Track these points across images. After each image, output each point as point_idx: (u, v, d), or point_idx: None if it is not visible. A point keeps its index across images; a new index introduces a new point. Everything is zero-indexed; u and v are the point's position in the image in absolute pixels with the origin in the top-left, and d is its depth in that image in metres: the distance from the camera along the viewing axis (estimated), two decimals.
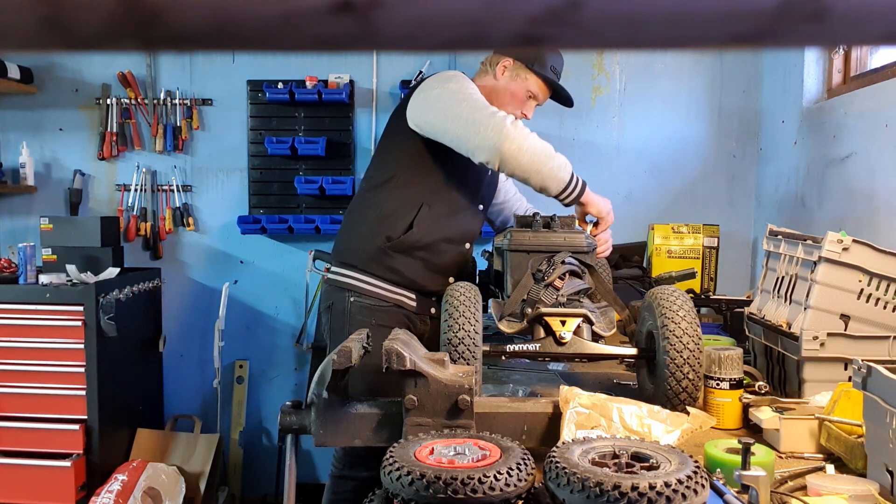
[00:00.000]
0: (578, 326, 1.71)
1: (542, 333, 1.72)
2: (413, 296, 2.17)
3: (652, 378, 1.64)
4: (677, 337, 1.50)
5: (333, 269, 2.25)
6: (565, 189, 2.03)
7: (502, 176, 2.44)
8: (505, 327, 1.79)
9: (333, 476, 2.19)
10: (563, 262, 1.86)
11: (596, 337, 1.74)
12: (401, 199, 2.14)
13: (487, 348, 1.65)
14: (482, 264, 2.49)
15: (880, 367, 1.18)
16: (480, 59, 3.52)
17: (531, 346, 1.69)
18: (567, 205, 2.09)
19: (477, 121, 1.98)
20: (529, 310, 1.75)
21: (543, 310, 1.72)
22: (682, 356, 1.49)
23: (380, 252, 2.14)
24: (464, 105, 2.01)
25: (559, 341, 1.68)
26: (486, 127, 1.96)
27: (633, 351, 1.69)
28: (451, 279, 2.15)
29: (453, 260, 2.21)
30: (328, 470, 3.73)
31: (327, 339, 2.23)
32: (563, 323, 1.70)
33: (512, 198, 2.60)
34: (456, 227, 2.19)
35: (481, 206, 2.28)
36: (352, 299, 2.15)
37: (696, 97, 3.51)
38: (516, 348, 1.70)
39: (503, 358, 1.79)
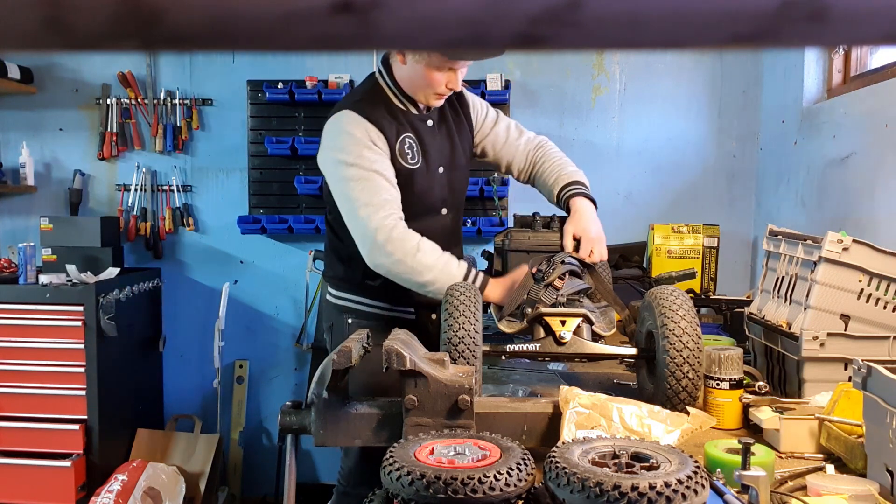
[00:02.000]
0: (578, 326, 1.71)
1: (542, 333, 1.72)
2: (411, 310, 2.13)
3: (652, 378, 1.64)
4: (677, 336, 1.50)
5: (330, 290, 2.20)
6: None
7: (485, 128, 2.22)
8: (505, 327, 1.80)
9: (339, 492, 2.19)
10: (562, 262, 1.86)
11: (596, 337, 1.75)
12: None
13: (487, 348, 1.65)
14: (482, 264, 2.49)
15: (880, 367, 1.18)
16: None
17: (531, 346, 1.70)
18: None
19: (358, 236, 1.92)
20: (529, 310, 1.76)
21: (543, 310, 1.73)
22: (681, 356, 1.49)
23: (363, 283, 2.08)
24: (349, 207, 1.92)
25: (559, 341, 1.68)
26: (362, 246, 1.91)
27: (632, 351, 1.69)
28: None
29: None
30: (328, 470, 3.74)
31: None
32: (563, 323, 1.70)
33: (512, 140, 2.26)
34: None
35: (445, 210, 2.13)
36: (349, 321, 2.11)
37: (696, 97, 3.51)
38: (516, 348, 1.71)
39: (503, 358, 1.79)
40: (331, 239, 2.18)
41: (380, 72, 2.06)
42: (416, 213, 2.00)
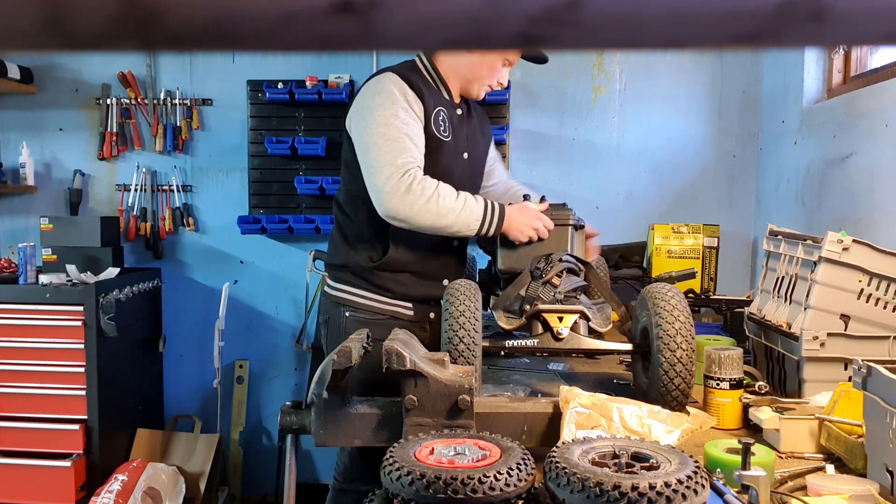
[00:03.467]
0: (575, 323, 1.74)
1: (539, 329, 1.75)
2: (409, 305, 2.14)
3: (646, 373, 1.65)
4: (670, 336, 1.51)
5: (329, 282, 2.21)
6: (482, 228, 1.99)
7: (490, 158, 2.39)
8: (504, 323, 1.81)
9: (335, 489, 2.19)
10: (560, 260, 1.88)
11: (593, 333, 1.76)
12: (371, 218, 2.03)
13: (487, 344, 1.67)
14: (482, 263, 2.49)
15: (880, 367, 1.18)
16: None
17: (529, 342, 1.72)
18: (493, 235, 2.02)
19: (375, 186, 1.94)
20: (528, 306, 1.77)
21: (541, 306, 1.75)
22: (674, 353, 1.50)
23: (367, 271, 2.10)
24: (371, 155, 1.96)
25: (556, 337, 1.71)
26: (380, 193, 1.93)
27: (628, 347, 1.71)
28: (446, 281, 2.12)
29: (443, 264, 2.15)
30: (328, 470, 3.73)
31: (325, 352, 2.23)
32: (561, 319, 1.73)
33: (503, 179, 2.47)
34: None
35: None
36: (347, 314, 2.11)
37: (696, 97, 3.51)
38: (514, 344, 1.73)
39: (502, 353, 1.81)
40: (339, 220, 2.20)
41: (418, 55, 2.16)
42: (428, 255, 2.11)
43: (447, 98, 2.14)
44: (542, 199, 2.11)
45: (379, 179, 1.93)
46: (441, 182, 1.95)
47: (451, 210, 1.93)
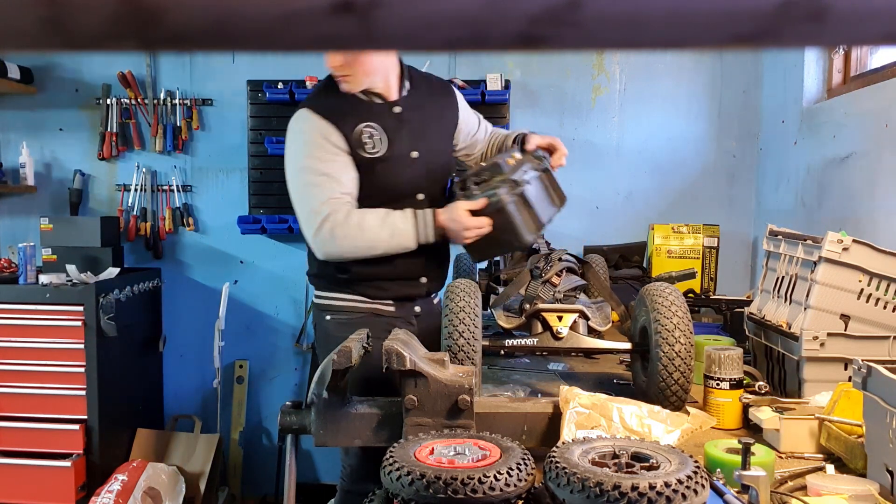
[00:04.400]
0: (575, 322, 1.75)
1: (539, 329, 1.76)
2: (390, 302, 2.09)
3: (645, 372, 1.65)
4: (668, 331, 1.52)
5: (313, 290, 2.21)
6: (420, 241, 1.97)
7: (466, 130, 2.24)
8: (503, 323, 1.81)
9: (342, 490, 2.19)
10: (559, 260, 1.88)
11: (592, 332, 1.77)
12: None
13: (486, 343, 1.68)
14: (482, 262, 2.49)
15: (880, 367, 1.18)
16: (480, 58, 3.54)
17: (529, 341, 1.72)
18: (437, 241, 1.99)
19: (305, 237, 2.01)
20: (527, 305, 1.78)
21: (541, 305, 1.76)
22: (673, 348, 1.50)
23: (342, 280, 2.07)
24: (297, 207, 2.03)
25: (556, 336, 1.72)
26: (311, 243, 2.01)
27: (627, 346, 1.71)
28: (424, 279, 2.09)
29: (418, 264, 2.06)
30: (328, 470, 3.74)
31: (316, 356, 2.25)
32: (560, 318, 1.73)
33: (483, 140, 2.32)
34: None
35: (421, 196, 2.07)
36: (328, 318, 2.09)
37: (696, 97, 3.51)
38: (514, 343, 1.73)
39: (501, 353, 1.81)
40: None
41: None
42: (388, 199, 2.00)
43: (379, 101, 2.04)
44: (522, 143, 2.05)
45: (306, 231, 1.99)
46: (366, 212, 1.95)
47: (379, 240, 1.94)
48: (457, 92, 2.26)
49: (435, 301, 2.24)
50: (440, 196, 2.11)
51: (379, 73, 2.01)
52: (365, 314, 2.07)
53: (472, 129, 2.26)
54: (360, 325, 1.87)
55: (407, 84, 2.09)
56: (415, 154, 2.05)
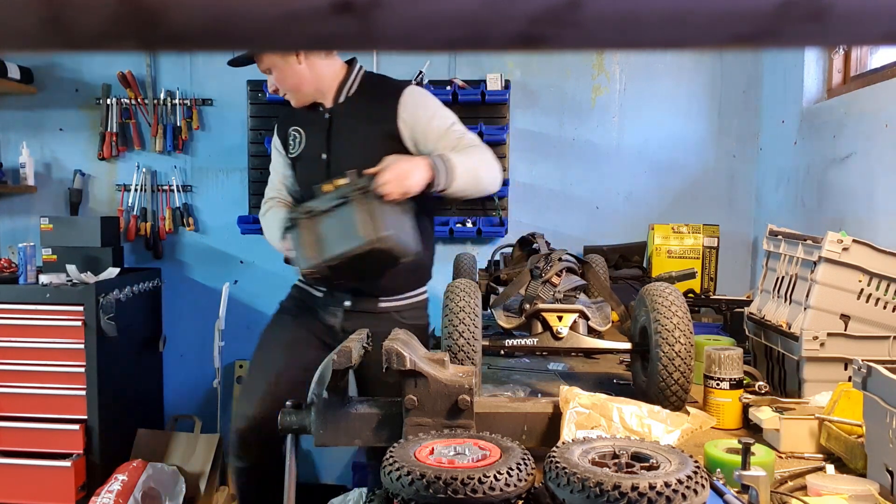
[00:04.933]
0: (575, 322, 1.75)
1: (539, 328, 1.76)
2: (322, 287, 2.23)
3: (645, 372, 1.65)
4: (668, 330, 1.51)
5: None
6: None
7: (422, 138, 2.08)
8: (503, 323, 1.81)
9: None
10: (559, 260, 1.89)
11: (592, 332, 1.77)
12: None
13: (486, 343, 1.68)
14: (482, 263, 2.50)
15: (880, 367, 1.18)
16: (481, 58, 3.54)
17: (529, 341, 1.72)
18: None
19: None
20: (527, 305, 1.78)
21: (541, 305, 1.76)
22: (673, 348, 1.50)
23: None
24: None
25: (556, 336, 1.72)
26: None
27: (627, 346, 1.71)
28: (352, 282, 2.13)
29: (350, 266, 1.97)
30: (328, 470, 3.74)
31: None
32: (560, 318, 1.73)
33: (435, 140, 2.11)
34: None
35: None
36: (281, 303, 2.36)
37: (696, 97, 3.51)
38: (514, 343, 1.73)
39: (501, 353, 1.81)
40: None
41: None
42: (308, 197, 2.05)
43: (315, 107, 2.19)
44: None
45: None
46: (274, 210, 2.23)
47: (272, 237, 2.19)
48: (415, 100, 2.10)
49: (384, 304, 2.18)
50: None
51: (307, 85, 2.15)
52: (296, 302, 2.31)
53: (428, 138, 2.07)
54: (289, 301, 2.31)
55: (348, 90, 2.17)
56: (324, 156, 2.15)
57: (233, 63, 2.22)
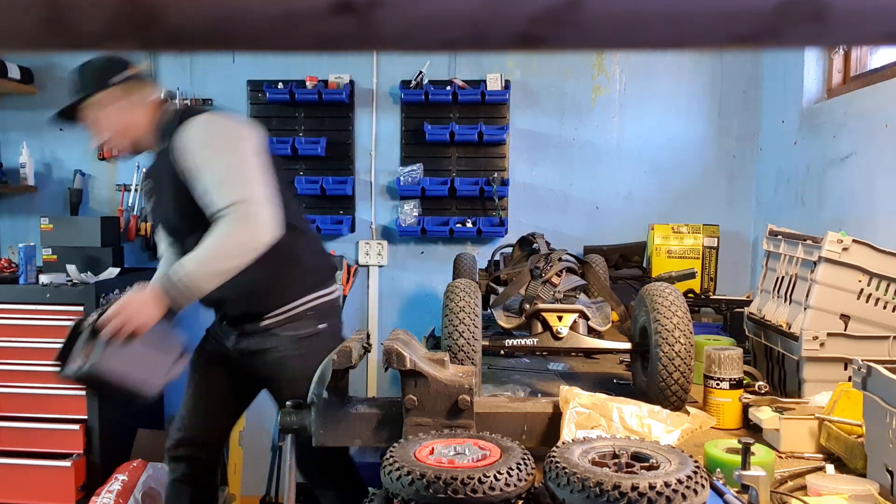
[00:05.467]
0: (575, 322, 1.75)
1: (539, 328, 1.76)
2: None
3: (645, 372, 1.65)
4: (668, 330, 1.51)
5: None
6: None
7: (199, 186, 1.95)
8: (503, 323, 1.81)
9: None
10: (560, 260, 1.89)
11: (592, 332, 1.77)
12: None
13: (486, 343, 1.67)
14: (482, 263, 2.50)
15: (880, 367, 1.18)
16: (481, 58, 3.54)
17: (529, 341, 1.72)
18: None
19: None
20: (527, 305, 1.78)
21: (541, 305, 1.75)
22: (673, 347, 1.50)
23: None
24: None
25: (556, 336, 1.72)
26: None
27: (627, 346, 1.71)
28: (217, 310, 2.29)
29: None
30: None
31: None
32: (560, 318, 1.73)
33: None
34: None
35: (172, 237, 2.16)
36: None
37: (696, 97, 3.51)
38: (514, 343, 1.73)
39: (501, 353, 1.81)
40: None
41: None
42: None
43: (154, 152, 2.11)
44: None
45: None
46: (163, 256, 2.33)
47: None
48: (183, 149, 1.93)
49: (267, 322, 2.12)
50: (187, 234, 2.02)
51: (121, 135, 2.06)
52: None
53: (195, 187, 1.91)
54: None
55: (161, 138, 2.03)
56: (149, 206, 2.21)
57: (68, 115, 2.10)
